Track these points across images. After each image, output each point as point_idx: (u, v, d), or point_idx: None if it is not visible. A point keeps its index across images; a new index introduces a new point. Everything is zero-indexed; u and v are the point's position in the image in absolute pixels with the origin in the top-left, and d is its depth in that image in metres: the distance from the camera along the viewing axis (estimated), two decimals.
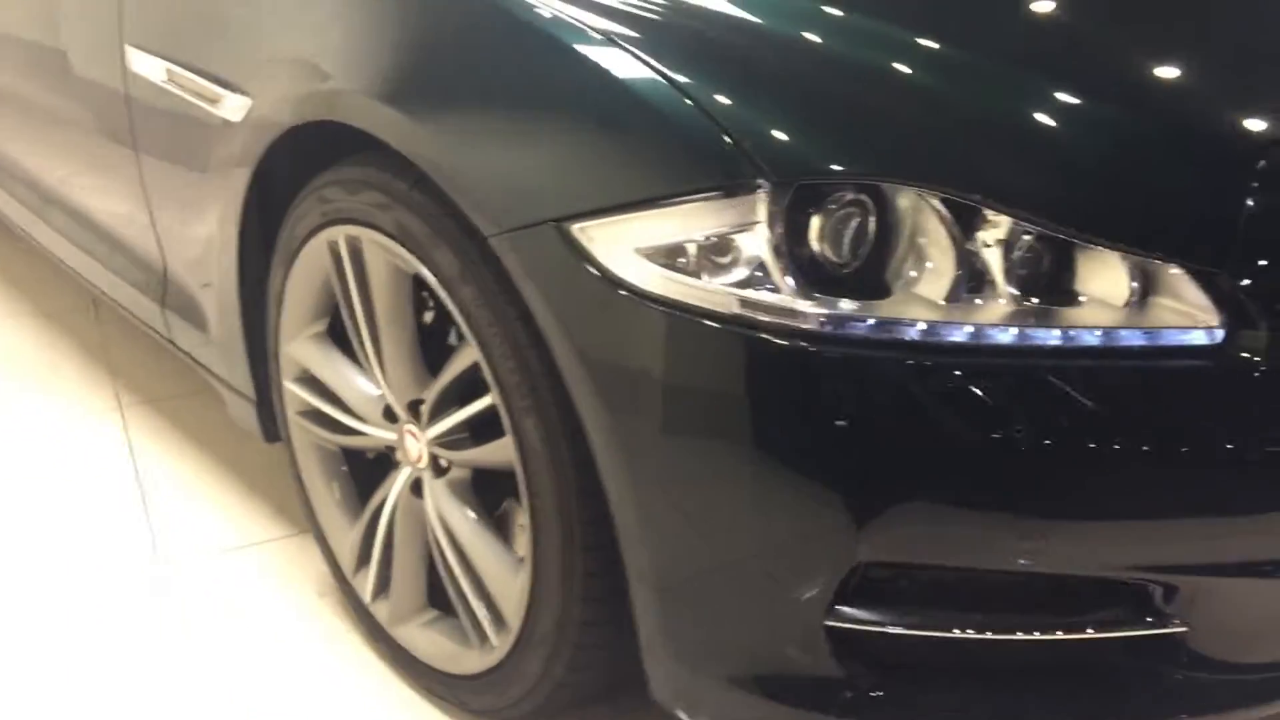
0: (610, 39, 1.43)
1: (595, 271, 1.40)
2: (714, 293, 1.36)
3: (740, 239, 1.35)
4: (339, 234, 1.74)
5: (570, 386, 1.45)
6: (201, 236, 2.05)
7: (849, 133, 1.38)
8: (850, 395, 1.34)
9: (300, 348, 1.92)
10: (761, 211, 1.34)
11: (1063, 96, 1.44)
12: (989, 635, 1.42)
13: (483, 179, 1.49)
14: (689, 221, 1.37)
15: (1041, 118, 1.42)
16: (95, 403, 2.74)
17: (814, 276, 1.35)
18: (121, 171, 2.25)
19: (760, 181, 1.33)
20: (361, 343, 1.80)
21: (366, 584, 1.92)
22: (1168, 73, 1.53)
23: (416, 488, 1.81)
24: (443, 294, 1.59)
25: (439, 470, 1.76)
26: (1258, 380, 1.37)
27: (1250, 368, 1.37)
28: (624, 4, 1.48)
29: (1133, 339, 1.37)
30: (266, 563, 2.21)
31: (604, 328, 1.41)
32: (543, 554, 1.58)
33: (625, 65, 1.41)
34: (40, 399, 2.76)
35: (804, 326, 1.34)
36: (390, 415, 1.82)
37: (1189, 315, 1.37)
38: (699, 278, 1.37)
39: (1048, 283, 1.39)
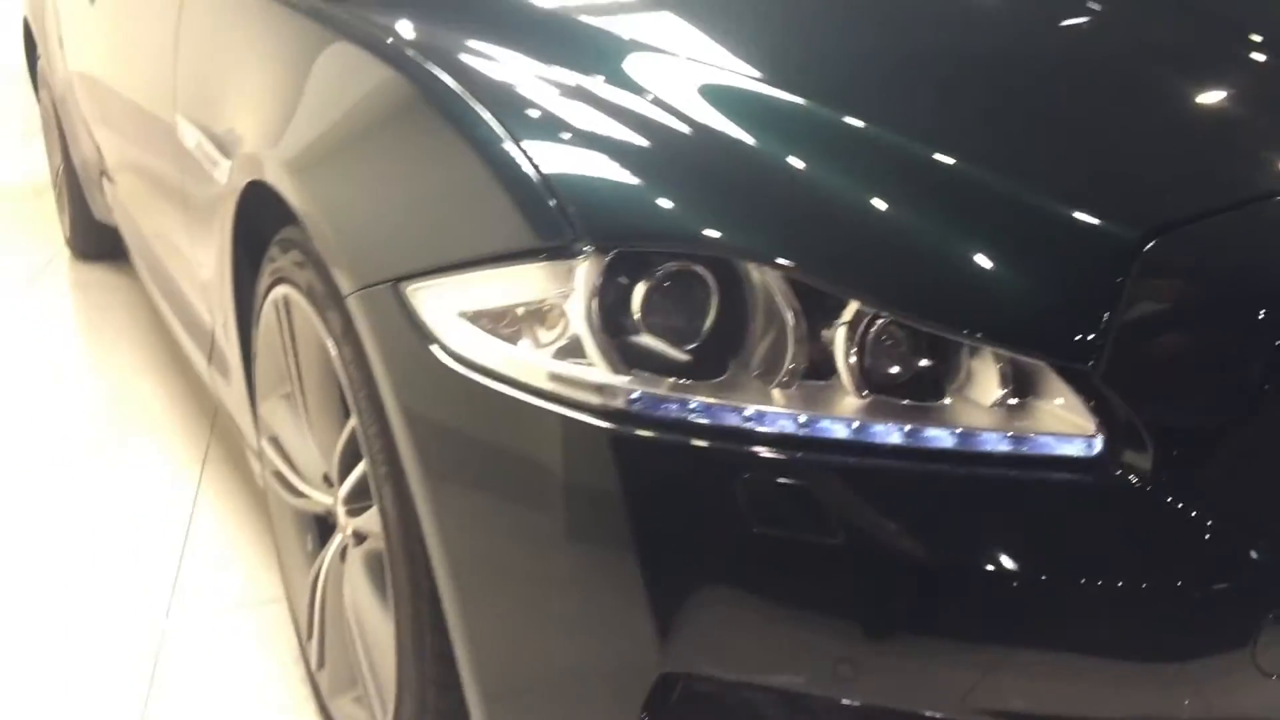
0: (453, 95, 1.38)
1: (421, 334, 1.33)
2: (528, 363, 1.26)
3: (560, 307, 1.26)
4: (280, 294, 1.74)
5: (401, 455, 1.38)
6: (216, 292, 2.10)
7: (687, 203, 1.27)
8: (653, 484, 1.22)
9: (270, 408, 1.92)
10: (580, 278, 1.24)
11: (928, 178, 1.29)
12: None
13: (342, 236, 1.46)
14: (511, 286, 1.28)
15: (903, 200, 1.26)
16: (184, 453, 2.84)
17: (637, 351, 1.24)
18: (180, 229, 2.34)
19: (580, 247, 1.24)
20: (301, 404, 1.79)
21: (313, 652, 1.88)
22: (1041, 154, 1.34)
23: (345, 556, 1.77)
24: (333, 354, 1.55)
25: (359, 539, 1.71)
26: (1139, 503, 1.16)
27: (1132, 489, 1.16)
28: (474, 64, 1.43)
29: (995, 444, 1.19)
30: (269, 621, 2.21)
31: (428, 395, 1.34)
32: (402, 631, 1.50)
33: (467, 122, 1.35)
34: (137, 445, 2.89)
35: (612, 404, 1.22)
36: (328, 479, 1.79)
37: (1071, 422, 1.19)
38: (516, 345, 1.28)
39: (912, 378, 1.23)
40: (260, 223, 1.86)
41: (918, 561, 1.18)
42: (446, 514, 1.33)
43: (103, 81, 3.04)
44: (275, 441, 1.92)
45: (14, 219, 4.99)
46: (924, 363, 1.22)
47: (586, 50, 1.50)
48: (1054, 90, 1.46)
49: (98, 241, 4.13)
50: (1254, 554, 1.16)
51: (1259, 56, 1.56)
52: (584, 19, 1.59)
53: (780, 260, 1.21)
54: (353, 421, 1.55)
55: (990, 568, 1.17)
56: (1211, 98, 1.47)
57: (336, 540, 1.78)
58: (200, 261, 2.24)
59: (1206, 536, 1.16)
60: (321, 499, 1.81)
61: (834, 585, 1.19)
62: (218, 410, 2.99)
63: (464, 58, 1.48)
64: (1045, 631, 1.18)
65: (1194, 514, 1.16)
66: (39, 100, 4.46)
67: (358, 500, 1.64)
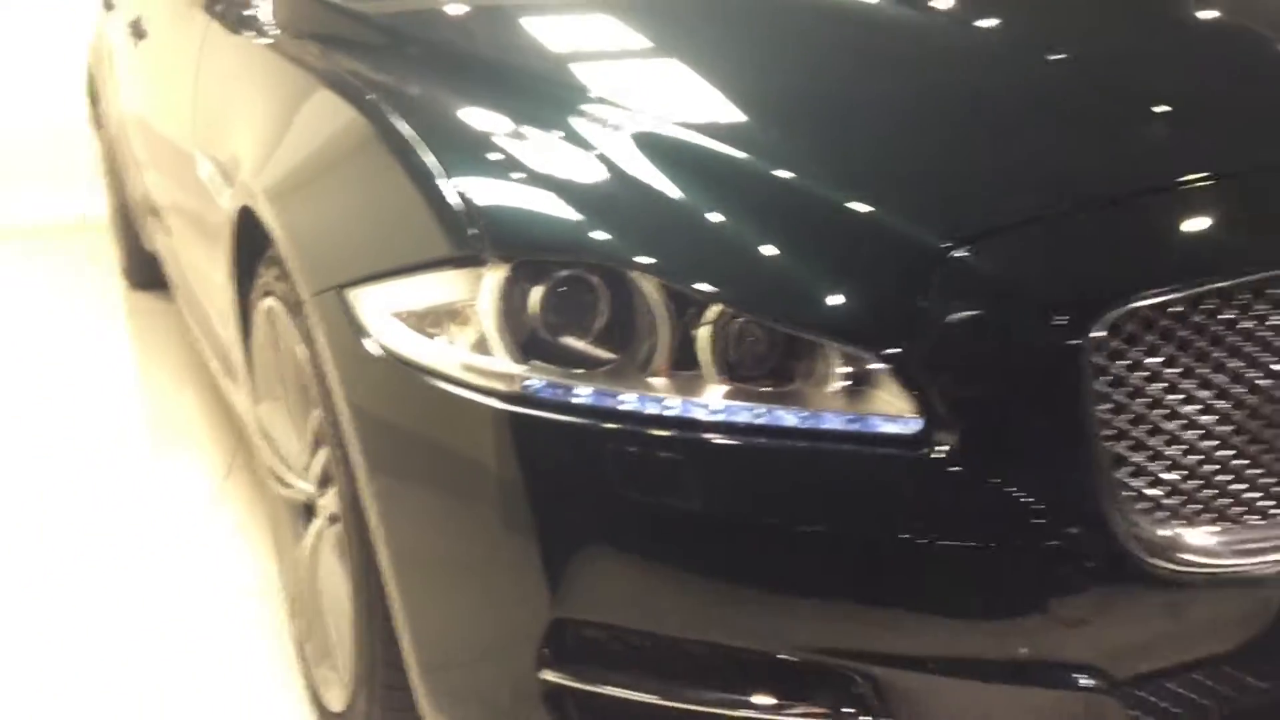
0: (396, 132, 1.62)
1: (360, 331, 1.57)
2: (445, 355, 1.49)
3: (471, 308, 1.48)
4: (266, 305, 1.99)
5: (347, 441, 1.61)
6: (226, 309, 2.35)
7: (577, 222, 1.50)
8: (544, 457, 1.44)
9: (264, 409, 2.16)
10: (487, 284, 1.47)
11: (774, 197, 1.52)
12: (692, 707, 1.45)
13: (302, 251, 1.70)
14: (431, 290, 1.52)
15: (753, 217, 1.49)
16: (212, 459, 3.10)
17: (536, 346, 1.46)
18: (201, 253, 2.60)
19: (487, 257, 1.47)
20: (285, 402, 2.02)
21: (300, 626, 2.11)
22: (873, 170, 1.57)
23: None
24: (300, 355, 1.79)
25: (333, 521, 1.94)
26: (947, 475, 1.37)
27: (941, 462, 1.36)
28: (421, 107, 1.68)
29: (833, 423, 1.40)
30: (271, 608, 2.45)
31: (366, 385, 1.58)
32: (357, 608, 1.72)
33: (404, 154, 1.60)
34: (169, 449, 3.16)
35: (508, 389, 1.45)
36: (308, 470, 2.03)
37: (896, 405, 1.39)
38: (436, 341, 1.51)
39: (773, 367, 1.44)
40: (254, 244, 2.11)
41: (768, 524, 1.39)
42: (382, 494, 1.56)
43: (144, 121, 3.32)
44: (269, 439, 2.16)
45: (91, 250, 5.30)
46: (779, 354, 1.44)
47: (517, 96, 1.74)
48: (899, 108, 1.70)
49: (150, 271, 4.42)
50: (1041, 520, 1.36)
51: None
52: (521, 71, 1.84)
53: (650, 268, 1.43)
54: (316, 413, 1.79)
55: (829, 529, 1.38)
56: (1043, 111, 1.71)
57: (316, 524, 2.01)
58: (215, 281, 2.49)
59: (1003, 503, 1.36)
60: (304, 488, 2.04)
61: (700, 545, 1.40)
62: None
63: (414, 102, 1.73)
64: (875, 584, 1.38)
65: (993, 482, 1.36)
66: (99, 141, 4.79)
67: (325, 485, 1.87)
